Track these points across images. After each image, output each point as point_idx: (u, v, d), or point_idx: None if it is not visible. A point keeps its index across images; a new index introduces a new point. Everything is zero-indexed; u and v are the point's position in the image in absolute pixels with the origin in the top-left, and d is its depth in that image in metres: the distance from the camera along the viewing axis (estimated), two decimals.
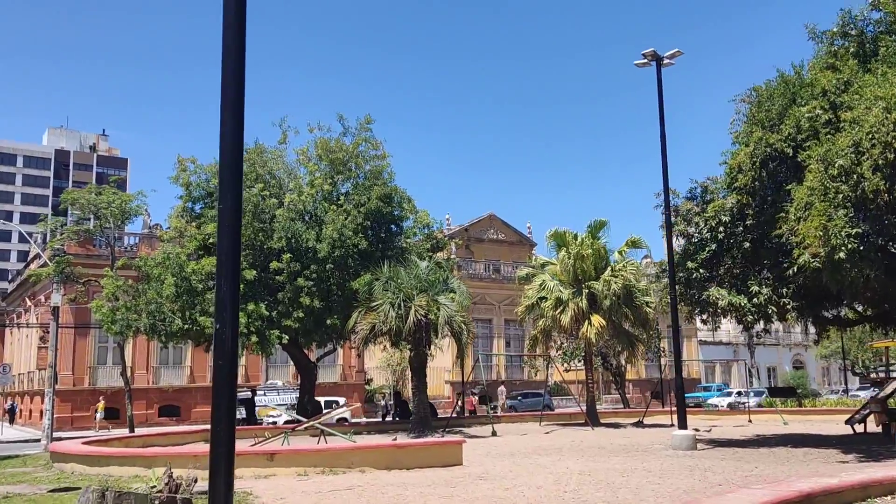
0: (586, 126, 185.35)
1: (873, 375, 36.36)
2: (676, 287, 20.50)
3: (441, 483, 13.07)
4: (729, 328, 74.75)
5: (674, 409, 33.56)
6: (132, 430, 26.75)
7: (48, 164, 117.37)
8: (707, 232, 20.04)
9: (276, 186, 26.90)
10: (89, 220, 28.50)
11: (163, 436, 22.91)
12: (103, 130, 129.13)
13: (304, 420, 21.05)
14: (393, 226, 27.91)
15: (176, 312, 23.66)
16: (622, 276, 28.06)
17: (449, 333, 24.18)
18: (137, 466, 14.36)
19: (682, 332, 69.66)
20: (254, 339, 23.31)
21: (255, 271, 24.34)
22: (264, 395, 38.38)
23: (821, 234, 15.15)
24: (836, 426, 26.83)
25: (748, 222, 19.78)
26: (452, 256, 29.56)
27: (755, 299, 18.93)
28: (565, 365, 38.42)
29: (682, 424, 18.77)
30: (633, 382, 59.64)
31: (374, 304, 23.73)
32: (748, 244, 19.57)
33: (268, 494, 12.03)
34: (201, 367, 42.40)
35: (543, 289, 28.84)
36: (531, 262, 64.26)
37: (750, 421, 31.47)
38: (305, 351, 29.53)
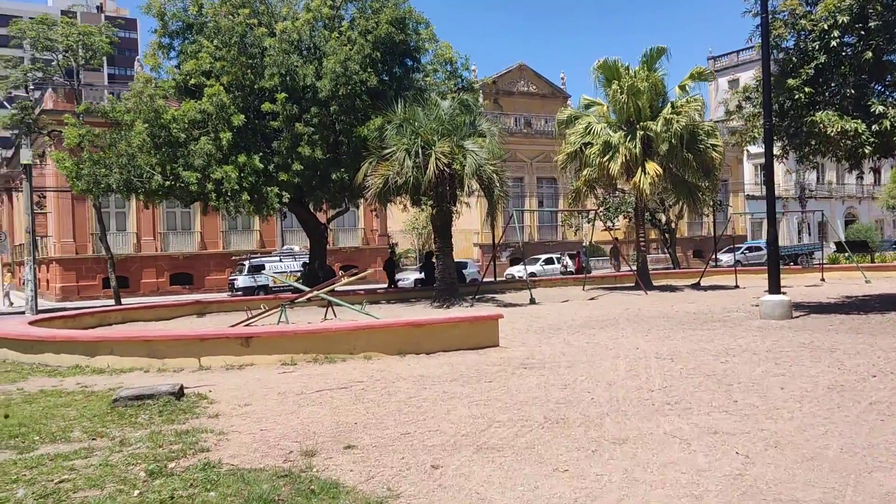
0: None
1: None
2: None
3: (472, 375, 9.55)
4: (779, 179, 69.77)
5: (743, 269, 29.88)
6: (118, 302, 23.84)
7: None
8: (814, 40, 15.28)
9: (265, 14, 22.16)
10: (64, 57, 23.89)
11: (148, 308, 19.82)
12: None
13: (306, 289, 17.67)
14: (408, 59, 23.22)
15: (155, 167, 19.87)
16: (685, 113, 23.42)
17: (477, 186, 20.16)
18: (77, 354, 11.08)
19: (729, 185, 64.81)
20: (245, 197, 19.53)
21: (243, 116, 20.20)
22: (280, 261, 35.41)
23: None
24: None
25: (871, 24, 14.94)
26: (480, 101, 24.91)
27: (876, 125, 14.48)
28: (608, 223, 34.46)
29: (775, 288, 14.94)
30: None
31: (387, 152, 19.65)
32: (870, 53, 14.84)
33: (229, 397, 8.61)
34: (212, 232, 39.46)
35: (589, 132, 24.38)
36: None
37: (823, 280, 27.68)
38: (315, 212, 25.85)
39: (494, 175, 19.73)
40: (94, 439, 6.94)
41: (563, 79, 64.23)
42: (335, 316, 17.58)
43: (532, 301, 20.92)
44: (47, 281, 38.77)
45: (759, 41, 15.84)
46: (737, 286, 25.59)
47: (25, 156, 21.59)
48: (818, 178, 72.83)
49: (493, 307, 19.83)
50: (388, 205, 25.27)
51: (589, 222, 36.83)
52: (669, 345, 11.97)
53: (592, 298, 22.84)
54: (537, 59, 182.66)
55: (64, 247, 35.75)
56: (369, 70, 20.89)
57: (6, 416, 8.02)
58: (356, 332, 11.11)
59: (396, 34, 21.41)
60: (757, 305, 17.52)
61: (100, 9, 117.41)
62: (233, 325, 16.22)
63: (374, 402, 8.12)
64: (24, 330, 11.91)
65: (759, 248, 50.80)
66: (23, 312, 24.70)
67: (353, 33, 21.16)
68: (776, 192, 57.53)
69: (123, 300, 33.47)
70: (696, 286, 26.31)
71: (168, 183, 19.91)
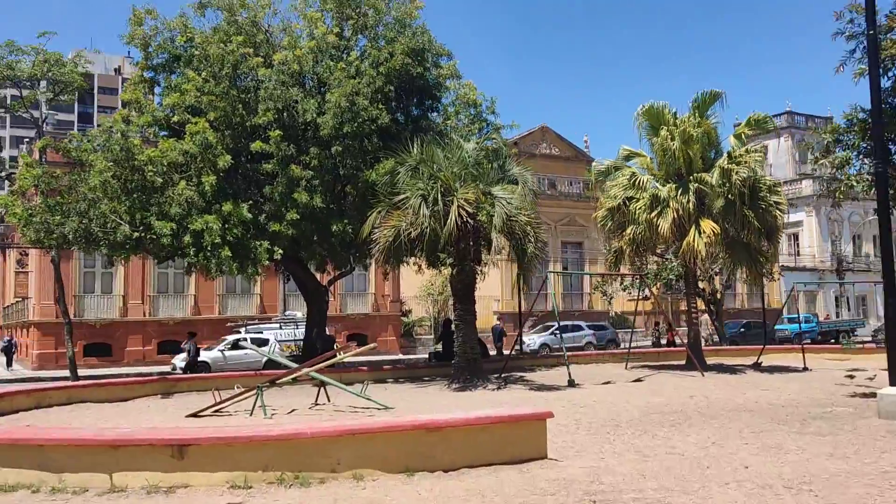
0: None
1: None
2: (861, 161, 12.85)
3: None
4: (814, 251, 66.10)
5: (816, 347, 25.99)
6: (75, 377, 20.40)
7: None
8: None
9: (264, 43, 19.44)
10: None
11: (101, 386, 16.31)
12: (128, 52, 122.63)
13: (292, 366, 14.19)
14: (426, 98, 20.29)
15: (123, 216, 16.75)
16: (746, 164, 20.22)
17: (507, 241, 16.80)
18: None
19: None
20: (226, 252, 16.23)
21: (230, 157, 17.18)
22: (280, 328, 32.04)
23: None
24: None
25: None
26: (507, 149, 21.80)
27: None
28: (641, 291, 30.84)
29: None
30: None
31: (399, 199, 16.45)
32: None
33: None
34: (208, 295, 36.20)
35: (634, 185, 21.15)
36: (590, 175, 56.21)
37: None
38: (317, 272, 22.55)
39: (529, 227, 16.41)
40: None
41: (586, 141, 61.96)
42: (328, 400, 14.09)
43: (571, 383, 17.24)
44: (26, 347, 35.49)
45: (860, 65, 12.79)
46: (805, 368, 21.74)
47: None
48: (855, 251, 69.38)
49: (526, 392, 16.17)
50: (402, 266, 21.99)
51: (625, 289, 33.31)
52: (788, 461, 8.38)
53: (639, 380, 19.12)
54: (559, 122, 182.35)
55: (43, 309, 32.53)
56: (380, 106, 17.94)
57: None
58: (342, 439, 7.58)
59: (413, 66, 18.52)
60: (856, 396, 14.16)
61: (117, 71, 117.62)
62: (194, 414, 12.78)
63: None
64: None
65: (579, 328, 40.90)
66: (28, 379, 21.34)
67: (363, 64, 18.31)
68: (811, 265, 52.47)
69: (104, 370, 30.12)
70: (757, 366, 22.50)
71: (137, 234, 16.74)
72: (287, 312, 35.76)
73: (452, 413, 9.28)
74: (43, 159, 19.55)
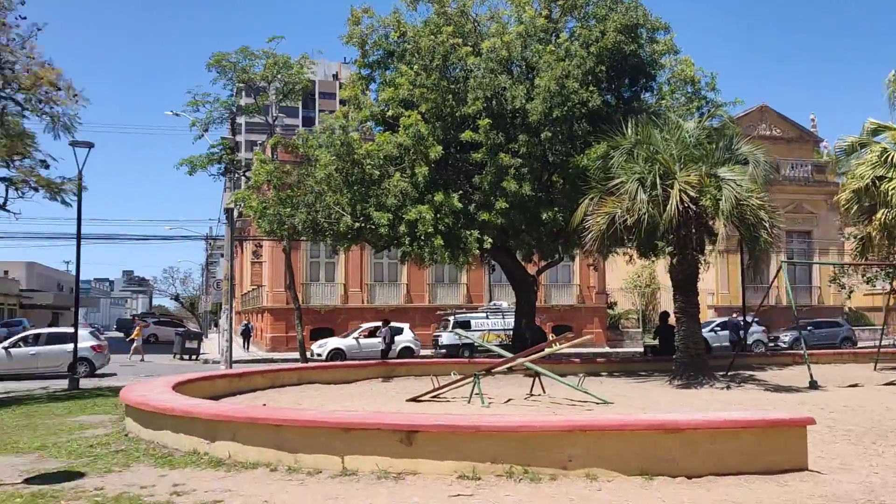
0: None
1: None
2: None
3: None
4: None
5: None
6: (304, 359, 21.79)
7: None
8: None
9: (472, 33, 19.47)
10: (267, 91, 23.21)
11: (327, 368, 17.26)
12: (344, 58, 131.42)
13: (507, 356, 13.95)
14: (640, 76, 19.14)
15: (345, 207, 17.59)
16: None
17: (737, 227, 15.24)
18: (196, 436, 8.27)
19: None
20: (437, 241, 16.41)
21: (441, 148, 17.37)
22: (486, 317, 32.36)
23: None
24: None
25: None
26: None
27: None
28: (892, 283, 26.95)
29: None
30: None
31: (613, 184, 15.58)
32: None
33: None
34: (419, 285, 37.58)
35: (885, 162, 18.45)
36: (819, 157, 50.57)
37: None
38: (523, 262, 22.28)
39: (762, 212, 14.78)
40: None
41: (813, 120, 56.10)
42: (542, 391, 13.71)
43: (813, 385, 15.36)
44: (261, 330, 39.13)
45: None
46: None
47: (227, 199, 20.53)
48: None
49: (760, 392, 14.61)
50: (609, 256, 21.02)
51: (868, 282, 29.53)
52: None
53: (893, 383, 16.64)
54: (781, 102, 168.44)
55: (275, 296, 35.62)
56: (591, 88, 17.17)
57: None
58: (573, 435, 7.09)
59: (626, 44, 17.50)
60: None
61: (335, 76, 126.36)
62: (414, 398, 12.99)
63: None
64: (149, 396, 9.41)
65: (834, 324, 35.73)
66: (218, 363, 23.79)
67: (573, 45, 17.63)
68: None
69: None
70: None
71: (358, 224, 17.50)
72: (492, 302, 36.05)
73: (694, 413, 8.43)
74: (274, 156, 21.17)
